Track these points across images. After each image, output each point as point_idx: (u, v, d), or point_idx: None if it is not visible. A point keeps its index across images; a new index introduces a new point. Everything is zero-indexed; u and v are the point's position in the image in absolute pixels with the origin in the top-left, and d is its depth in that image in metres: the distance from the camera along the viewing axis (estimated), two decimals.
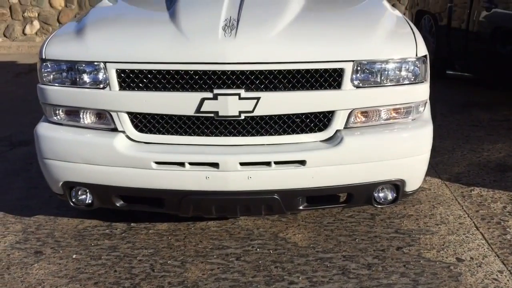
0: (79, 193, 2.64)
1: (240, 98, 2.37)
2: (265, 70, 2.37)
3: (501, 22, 5.06)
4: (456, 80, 6.27)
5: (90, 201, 2.64)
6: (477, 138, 4.29)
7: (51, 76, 2.53)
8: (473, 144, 4.15)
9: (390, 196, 2.64)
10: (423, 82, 2.57)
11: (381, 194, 2.63)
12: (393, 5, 9.59)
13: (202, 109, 2.39)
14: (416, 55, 2.52)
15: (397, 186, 2.59)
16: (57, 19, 10.02)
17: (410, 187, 2.63)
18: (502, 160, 3.80)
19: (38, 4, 9.96)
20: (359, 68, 2.44)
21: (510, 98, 5.30)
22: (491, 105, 5.25)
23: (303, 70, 2.39)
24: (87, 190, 2.60)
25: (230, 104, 2.37)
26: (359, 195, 2.59)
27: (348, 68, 2.42)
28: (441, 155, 3.92)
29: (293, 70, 2.39)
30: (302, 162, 2.42)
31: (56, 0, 9.96)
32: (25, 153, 4.12)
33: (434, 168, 3.66)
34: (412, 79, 2.53)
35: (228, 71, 2.36)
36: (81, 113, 2.52)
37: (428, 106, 2.74)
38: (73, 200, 2.65)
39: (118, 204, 2.60)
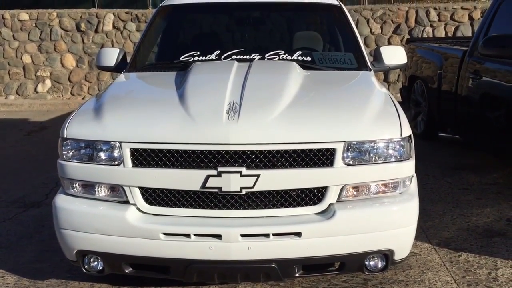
0: (91, 260, 2.85)
1: (241, 175, 2.62)
2: (265, 150, 2.63)
3: (488, 90, 5.38)
4: (448, 142, 6.56)
5: (101, 268, 2.84)
6: (467, 202, 4.51)
7: (71, 153, 2.80)
8: (462, 209, 4.36)
9: (380, 264, 2.84)
10: (408, 159, 2.82)
11: (371, 263, 2.83)
12: None
13: (207, 185, 2.64)
14: (401, 135, 2.79)
15: (387, 255, 2.80)
16: (68, 78, 10.50)
17: (398, 255, 2.84)
18: (490, 226, 4.00)
19: (50, 64, 10.46)
20: (349, 147, 2.70)
21: (499, 161, 5.55)
22: (481, 167, 5.49)
23: (299, 150, 2.65)
24: (99, 258, 2.81)
25: (233, 181, 2.62)
26: (351, 264, 2.79)
27: (340, 148, 2.68)
28: (432, 219, 4.12)
29: (290, 150, 2.65)
30: (298, 234, 2.64)
31: (67, 60, 10.48)
32: (37, 215, 4.34)
33: (425, 233, 3.85)
34: (398, 157, 2.78)
35: (231, 151, 2.62)
36: (96, 187, 2.77)
37: (414, 180, 2.98)
38: (86, 267, 2.85)
39: (127, 271, 2.80)
